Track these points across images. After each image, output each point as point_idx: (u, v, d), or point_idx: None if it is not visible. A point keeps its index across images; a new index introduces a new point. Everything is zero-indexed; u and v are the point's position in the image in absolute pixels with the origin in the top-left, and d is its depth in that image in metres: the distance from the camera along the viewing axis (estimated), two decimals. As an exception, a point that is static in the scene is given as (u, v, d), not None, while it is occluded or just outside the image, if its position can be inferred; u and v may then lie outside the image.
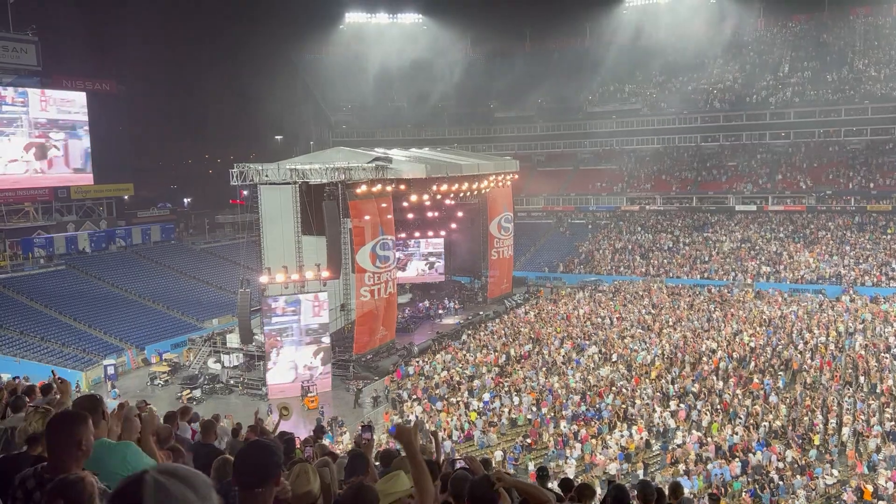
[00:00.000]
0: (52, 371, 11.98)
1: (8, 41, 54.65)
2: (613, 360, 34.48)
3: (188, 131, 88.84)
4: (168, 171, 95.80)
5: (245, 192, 44.54)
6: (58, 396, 6.76)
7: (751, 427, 25.92)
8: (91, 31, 65.43)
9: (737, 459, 23.52)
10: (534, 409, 29.39)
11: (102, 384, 37.80)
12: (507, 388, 31.81)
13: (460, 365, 35.63)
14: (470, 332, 42.67)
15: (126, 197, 66.39)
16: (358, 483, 3.29)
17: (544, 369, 34.01)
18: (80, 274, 51.72)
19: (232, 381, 37.00)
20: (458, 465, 5.47)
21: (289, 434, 11.06)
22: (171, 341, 44.09)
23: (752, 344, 35.34)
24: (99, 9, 70.41)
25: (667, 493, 6.45)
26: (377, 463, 8.36)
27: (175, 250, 61.41)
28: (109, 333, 44.00)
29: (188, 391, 35.04)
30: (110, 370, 38.63)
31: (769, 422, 26.13)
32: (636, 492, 6.58)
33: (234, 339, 39.69)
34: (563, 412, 28.54)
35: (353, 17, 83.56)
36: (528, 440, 26.86)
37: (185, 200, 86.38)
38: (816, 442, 24.86)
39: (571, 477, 19.75)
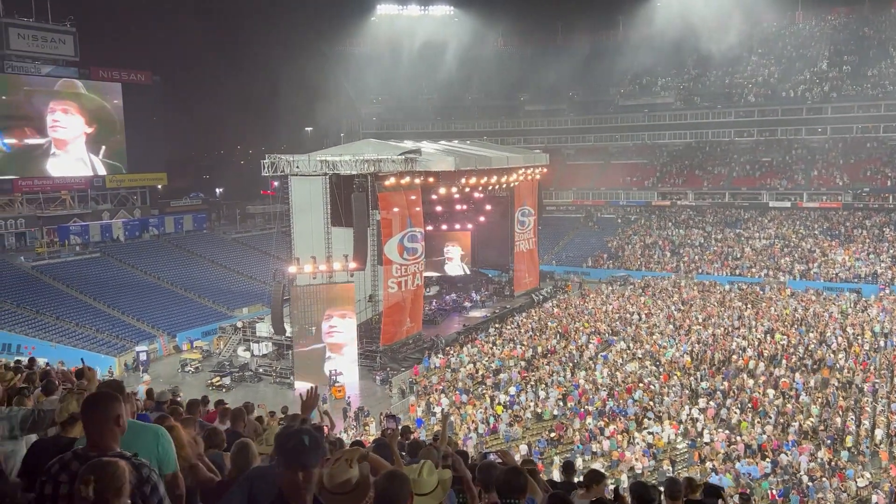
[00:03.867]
0: (82, 360, 12.35)
1: (47, 32, 55.82)
2: (640, 356, 34.21)
3: (220, 122, 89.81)
4: (201, 162, 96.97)
5: (276, 183, 45.07)
6: (85, 383, 6.95)
7: (781, 426, 25.56)
8: (127, 22, 66.42)
9: (766, 459, 23.22)
10: (560, 403, 29.30)
11: (135, 370, 38.58)
12: (533, 383, 31.74)
13: (486, 358, 35.64)
14: (497, 325, 42.63)
15: (159, 186, 67.36)
16: (391, 470, 3.33)
17: (571, 364, 33.86)
18: (114, 261, 52.70)
19: (261, 370, 37.47)
20: (490, 458, 5.49)
21: (318, 424, 11.18)
22: (201, 329, 44.75)
23: (784, 342, 34.81)
24: (135, 1, 71.45)
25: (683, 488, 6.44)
26: (404, 453, 8.42)
27: (207, 240, 62.25)
28: (142, 320, 44.79)
29: (218, 378, 35.58)
30: (142, 356, 39.38)
31: (800, 421, 25.73)
32: (663, 488, 6.55)
33: (263, 328, 40.20)
34: (590, 407, 28.42)
35: (385, 9, 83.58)
36: (554, 434, 26.81)
37: (218, 191, 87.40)
38: (848, 443, 24.42)
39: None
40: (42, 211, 55.62)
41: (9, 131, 53.94)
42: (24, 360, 19.32)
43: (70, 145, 57.61)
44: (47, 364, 17.93)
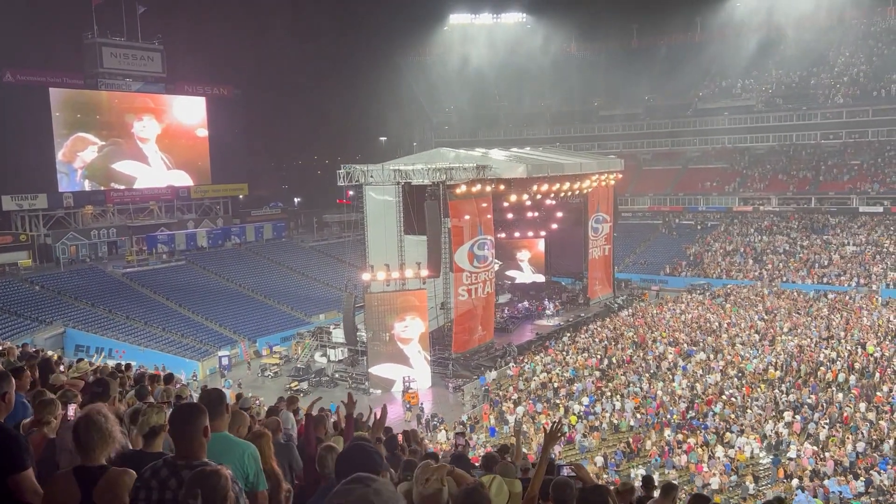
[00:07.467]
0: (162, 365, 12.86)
1: (137, 50, 58.85)
2: (722, 367, 33.01)
3: (298, 133, 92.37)
4: (279, 172, 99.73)
5: (351, 193, 45.79)
6: (178, 386, 7.18)
7: (874, 443, 24.19)
8: (209, 38, 68.97)
9: (860, 478, 22.01)
10: (638, 415, 28.58)
11: (217, 374, 39.91)
12: (608, 393, 31.11)
13: (560, 367, 35.17)
14: (570, 333, 42.04)
15: (241, 196, 69.67)
16: (472, 485, 3.30)
17: (647, 374, 33.02)
18: (198, 269, 54.77)
19: (337, 375, 38.13)
20: (564, 472, 5.39)
21: (388, 428, 11.10)
22: (280, 334, 45.98)
23: (878, 354, 32.97)
24: (216, 16, 74.29)
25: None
26: (476, 465, 8.40)
27: (285, 248, 63.95)
28: (224, 326, 46.34)
29: (296, 383, 36.41)
30: (224, 361, 40.69)
31: (895, 438, 24.28)
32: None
33: (339, 335, 40.93)
34: (667, 418, 27.63)
35: (457, 18, 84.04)
36: (631, 447, 26.16)
37: (296, 200, 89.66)
38: (950, 463, 22.86)
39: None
40: (132, 220, 58.47)
41: (101, 144, 56.97)
42: (113, 363, 20.22)
43: (157, 157, 60.38)
44: (137, 368, 18.70)
